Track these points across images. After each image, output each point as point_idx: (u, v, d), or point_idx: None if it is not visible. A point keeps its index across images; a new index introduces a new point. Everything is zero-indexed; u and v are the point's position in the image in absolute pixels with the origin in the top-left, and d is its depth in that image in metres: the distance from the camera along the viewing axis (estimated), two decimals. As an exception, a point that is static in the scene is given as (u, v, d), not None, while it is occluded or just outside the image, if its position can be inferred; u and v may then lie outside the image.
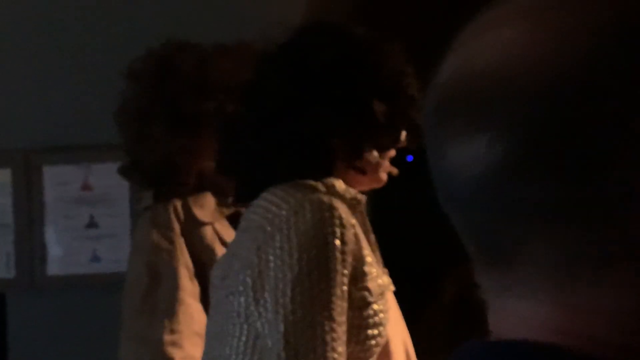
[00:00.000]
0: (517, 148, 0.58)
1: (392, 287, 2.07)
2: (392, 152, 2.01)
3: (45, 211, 2.98)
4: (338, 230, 1.83)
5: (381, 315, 1.90)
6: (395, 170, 2.05)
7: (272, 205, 1.90)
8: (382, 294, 1.91)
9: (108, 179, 2.94)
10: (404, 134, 1.99)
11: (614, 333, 0.57)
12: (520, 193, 0.59)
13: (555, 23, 0.59)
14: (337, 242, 1.82)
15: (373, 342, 1.91)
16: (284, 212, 1.86)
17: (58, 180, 2.99)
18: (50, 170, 2.98)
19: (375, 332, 1.90)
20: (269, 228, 1.86)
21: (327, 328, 1.81)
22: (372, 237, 2.08)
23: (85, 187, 3.00)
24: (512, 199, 0.59)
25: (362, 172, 1.95)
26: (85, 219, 2.99)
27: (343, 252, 1.83)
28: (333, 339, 1.82)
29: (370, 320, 1.89)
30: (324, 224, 1.84)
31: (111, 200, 2.99)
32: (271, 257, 1.85)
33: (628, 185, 0.56)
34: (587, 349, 0.57)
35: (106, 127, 2.82)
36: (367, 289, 1.87)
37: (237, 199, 2.07)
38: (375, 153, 1.96)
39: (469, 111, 0.61)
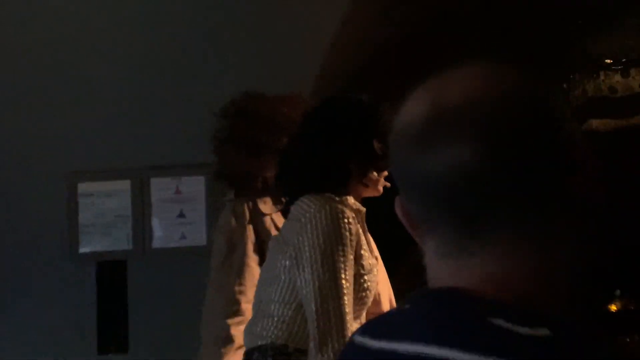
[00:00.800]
0: (485, 157, 0.72)
1: (378, 266, 2.45)
2: (385, 173, 2.36)
3: (152, 207, 3.64)
4: (347, 225, 2.21)
5: (368, 283, 2.30)
6: (388, 184, 2.40)
7: (305, 205, 2.26)
8: (371, 270, 2.32)
9: (192, 186, 3.64)
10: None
11: (494, 282, 0.73)
12: (483, 188, 0.73)
13: (496, 79, 0.76)
14: (347, 233, 2.20)
15: (362, 301, 2.30)
16: (312, 210, 2.23)
17: (160, 187, 3.64)
18: (155, 181, 3.64)
19: (364, 294, 2.30)
20: (303, 220, 2.24)
21: (341, 283, 2.17)
22: (368, 235, 2.46)
23: (177, 192, 3.64)
24: (471, 187, 0.73)
25: (366, 186, 2.35)
26: (177, 212, 3.64)
27: (350, 239, 2.21)
28: (345, 292, 2.18)
29: (362, 286, 2.28)
30: (338, 221, 2.21)
31: (193, 200, 3.62)
32: (306, 239, 2.21)
33: (547, 182, 0.71)
34: (478, 291, 0.73)
35: (190, 152, 3.59)
36: (362, 265, 2.27)
37: (287, 202, 2.43)
38: (375, 174, 2.36)
39: (439, 135, 0.74)
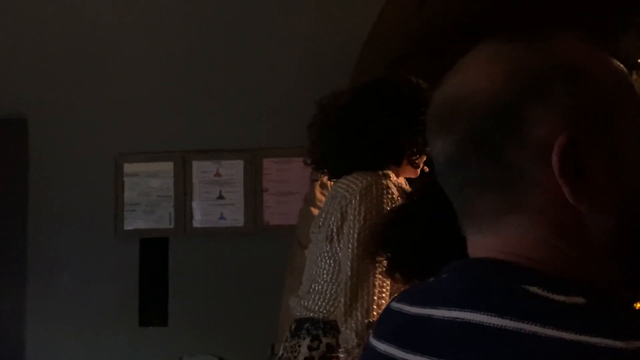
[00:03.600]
0: (465, 143, 0.76)
1: None
2: (425, 157, 2.35)
3: (193, 188, 3.74)
4: (390, 203, 2.19)
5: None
6: (426, 168, 2.37)
7: (351, 182, 2.24)
8: None
9: (231, 169, 3.71)
10: None
11: (524, 251, 0.75)
12: (466, 170, 0.76)
13: (486, 71, 0.77)
14: (388, 208, 2.16)
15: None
16: (359, 186, 2.20)
17: (201, 170, 3.73)
18: (196, 164, 3.73)
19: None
20: (348, 195, 2.22)
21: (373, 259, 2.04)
22: None
23: (217, 174, 3.72)
24: (464, 174, 0.77)
25: (416, 166, 2.32)
26: (216, 193, 3.72)
27: None
28: (377, 265, 2.06)
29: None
30: (383, 198, 2.18)
31: (232, 183, 3.71)
32: (349, 215, 2.20)
33: (520, 165, 0.74)
34: (511, 260, 0.74)
35: (231, 137, 3.72)
36: None
37: (332, 176, 2.40)
38: (416, 156, 2.32)
39: (443, 122, 0.79)
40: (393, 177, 2.28)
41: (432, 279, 0.85)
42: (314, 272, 2.35)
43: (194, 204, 3.75)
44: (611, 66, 0.78)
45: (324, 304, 2.29)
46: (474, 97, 0.75)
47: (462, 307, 0.73)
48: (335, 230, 2.23)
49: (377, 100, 2.31)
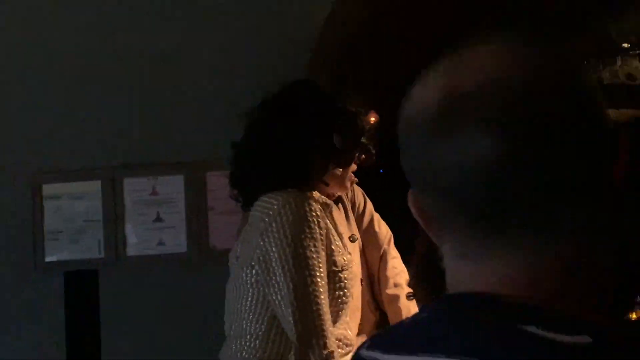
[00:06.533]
0: (507, 148, 0.68)
1: (354, 250, 2.45)
2: (353, 168, 2.40)
3: (125, 210, 3.46)
4: (315, 219, 2.16)
5: (345, 282, 2.27)
6: (356, 180, 2.44)
7: (268, 203, 2.19)
8: (346, 267, 2.28)
9: (170, 187, 3.46)
10: (360, 155, 2.38)
11: (520, 282, 0.69)
12: (504, 182, 0.69)
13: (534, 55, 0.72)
14: (316, 227, 2.16)
15: (339, 300, 2.26)
16: (275, 207, 2.16)
17: (134, 189, 3.47)
18: (128, 182, 3.46)
19: (340, 293, 2.26)
20: (266, 219, 2.17)
21: (318, 281, 2.13)
22: (343, 225, 2.47)
23: (154, 193, 3.47)
24: (500, 180, 0.69)
25: (326, 184, 2.33)
26: (153, 215, 3.47)
27: (320, 234, 2.16)
28: (321, 289, 2.14)
29: (338, 284, 2.24)
30: (306, 215, 2.15)
31: (172, 202, 3.47)
32: (272, 239, 2.14)
33: (581, 175, 0.69)
34: (505, 295, 0.69)
35: (168, 149, 3.48)
36: (335, 262, 2.22)
37: (244, 204, 2.35)
38: (338, 170, 2.34)
39: (467, 121, 0.70)
40: (315, 193, 2.25)
41: (406, 319, 0.81)
42: (233, 311, 2.29)
43: (127, 229, 3.48)
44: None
45: (245, 347, 2.23)
46: (519, 84, 0.70)
47: (448, 353, 0.67)
48: (260, 258, 2.16)
49: (276, 117, 2.31)
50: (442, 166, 0.71)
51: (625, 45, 4.71)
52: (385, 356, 0.75)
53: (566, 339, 0.64)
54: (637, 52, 4.75)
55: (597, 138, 0.69)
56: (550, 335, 0.64)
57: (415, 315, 0.78)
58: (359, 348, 0.82)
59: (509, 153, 0.68)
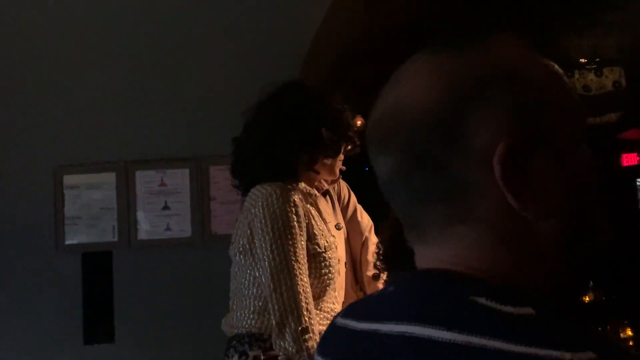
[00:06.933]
0: (407, 159, 0.75)
1: (340, 247, 2.46)
2: (341, 157, 2.45)
3: (137, 199, 3.59)
4: (293, 209, 2.23)
5: (329, 260, 2.31)
6: (343, 167, 2.49)
7: (255, 195, 2.27)
8: (330, 247, 2.33)
9: (176, 179, 3.57)
10: (346, 146, 2.45)
11: (471, 261, 0.74)
12: (410, 184, 0.75)
13: (422, 85, 0.75)
14: (293, 215, 2.22)
15: (325, 277, 2.32)
16: (260, 199, 2.23)
17: (145, 180, 3.59)
18: (140, 174, 3.59)
19: (326, 271, 2.32)
20: (252, 210, 2.26)
21: (295, 265, 2.18)
22: (327, 212, 2.51)
23: (162, 184, 3.58)
24: (408, 188, 0.76)
25: (317, 172, 2.40)
26: (162, 204, 3.59)
27: (297, 221, 2.22)
28: (299, 272, 2.19)
29: (322, 264, 2.31)
30: (285, 206, 2.22)
31: (178, 193, 3.57)
32: (258, 226, 2.22)
33: (464, 175, 0.72)
34: (459, 271, 0.73)
35: (175, 145, 3.58)
36: (317, 244, 2.29)
37: (243, 192, 2.41)
38: (328, 160, 2.42)
39: (383, 138, 0.78)
40: (300, 184, 2.31)
41: (377, 291, 0.83)
42: (234, 288, 2.34)
43: (139, 216, 3.61)
44: (547, 67, 0.77)
45: (246, 318, 2.27)
46: (412, 112, 0.74)
47: (410, 321, 0.71)
48: (247, 244, 2.22)
49: (268, 117, 2.34)
50: (377, 172, 0.80)
51: (582, 60, 4.91)
52: (357, 323, 0.81)
53: (512, 309, 0.67)
54: (593, 66, 4.92)
55: (465, 154, 0.73)
56: (498, 306, 0.68)
57: (383, 289, 0.82)
58: (335, 317, 0.88)
59: (404, 169, 0.75)
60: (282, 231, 2.17)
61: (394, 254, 1.71)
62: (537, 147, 0.72)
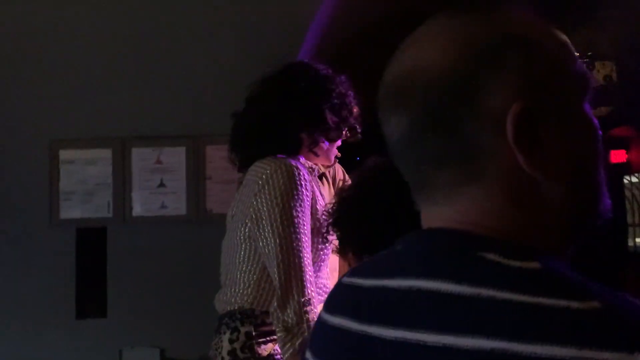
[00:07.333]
0: (421, 119, 0.76)
1: None
2: (338, 143, 2.44)
3: (132, 176, 3.61)
4: (302, 182, 2.21)
5: (327, 236, 2.28)
6: (339, 154, 2.47)
7: (261, 168, 2.25)
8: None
9: (173, 157, 3.59)
10: (346, 132, 2.43)
11: (480, 220, 0.75)
12: (423, 144, 0.76)
13: (439, 45, 0.77)
14: (302, 189, 2.21)
15: (321, 252, 2.32)
16: (268, 171, 2.22)
17: (141, 157, 3.61)
18: (136, 151, 3.61)
19: (322, 246, 2.32)
20: (260, 182, 2.22)
21: (301, 237, 2.18)
22: (324, 190, 2.47)
23: (158, 162, 3.61)
24: (420, 148, 0.77)
25: (316, 155, 2.39)
26: (157, 181, 3.61)
27: (305, 195, 2.22)
28: (305, 246, 2.19)
29: (321, 239, 2.30)
30: (293, 178, 2.20)
31: (174, 171, 3.59)
32: (264, 199, 2.21)
33: (477, 136, 0.74)
34: (468, 229, 0.75)
35: (172, 124, 3.59)
36: (318, 219, 2.28)
37: (240, 167, 2.39)
38: (326, 144, 2.40)
39: (398, 99, 0.78)
40: (302, 159, 2.30)
41: (384, 251, 0.84)
42: (228, 262, 2.33)
43: (134, 193, 3.63)
44: (556, 36, 0.80)
45: (238, 293, 2.27)
46: (429, 72, 0.75)
47: (417, 275, 0.73)
48: (253, 216, 2.21)
49: (274, 92, 2.32)
50: (387, 135, 0.81)
51: (588, 54, 4.93)
52: (364, 280, 0.82)
53: (519, 264, 0.69)
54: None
55: (478, 118, 0.75)
56: (505, 261, 0.70)
57: (391, 248, 0.83)
58: (341, 277, 0.89)
59: (415, 131, 0.77)
60: (292, 202, 2.17)
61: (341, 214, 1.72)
62: (548, 111, 0.74)
